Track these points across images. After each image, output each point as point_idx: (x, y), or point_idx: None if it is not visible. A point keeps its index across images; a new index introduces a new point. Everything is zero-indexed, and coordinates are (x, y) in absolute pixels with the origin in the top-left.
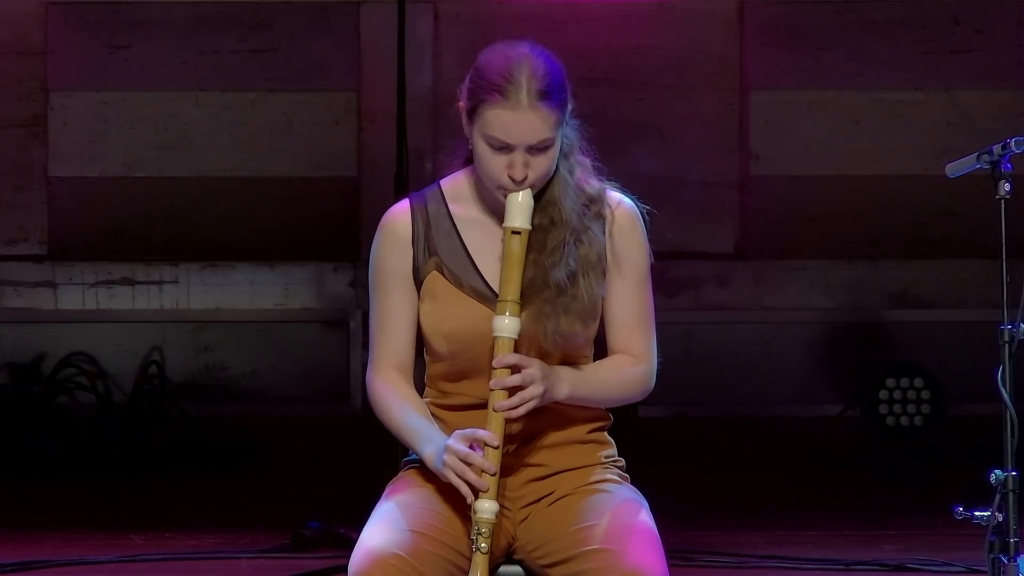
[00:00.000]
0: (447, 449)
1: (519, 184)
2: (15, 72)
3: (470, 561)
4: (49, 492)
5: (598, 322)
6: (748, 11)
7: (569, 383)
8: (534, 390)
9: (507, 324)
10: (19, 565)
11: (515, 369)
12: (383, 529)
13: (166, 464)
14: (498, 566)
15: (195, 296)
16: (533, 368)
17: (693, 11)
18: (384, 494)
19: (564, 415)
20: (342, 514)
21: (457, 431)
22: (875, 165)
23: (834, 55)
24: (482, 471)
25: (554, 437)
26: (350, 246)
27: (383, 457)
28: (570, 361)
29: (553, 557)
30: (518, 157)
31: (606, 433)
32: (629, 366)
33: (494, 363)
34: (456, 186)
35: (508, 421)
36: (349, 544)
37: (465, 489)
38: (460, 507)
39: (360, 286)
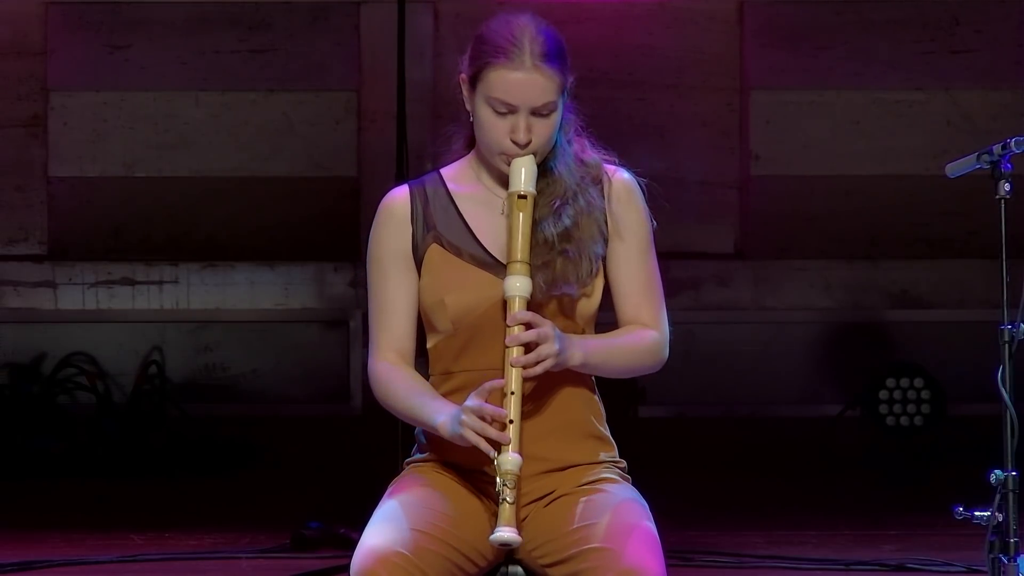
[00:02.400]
0: (464, 409)
1: (522, 148)
2: (15, 72)
3: (479, 553)
4: (49, 492)
5: (598, 289)
6: (748, 11)
7: (582, 348)
8: (548, 348)
9: (518, 284)
10: (19, 565)
11: (528, 327)
12: (386, 528)
13: (166, 464)
14: (498, 566)
15: (195, 296)
16: (546, 327)
17: (693, 11)
18: (387, 493)
19: (563, 402)
20: (342, 514)
21: (472, 392)
22: (875, 165)
23: (834, 55)
24: (503, 422)
25: (556, 431)
26: (350, 246)
27: (383, 457)
28: (572, 331)
29: (553, 557)
30: (521, 120)
31: (608, 433)
32: (640, 333)
33: (508, 320)
34: (455, 170)
35: (525, 379)
36: (349, 544)
37: (485, 445)
38: (465, 506)
39: (360, 286)
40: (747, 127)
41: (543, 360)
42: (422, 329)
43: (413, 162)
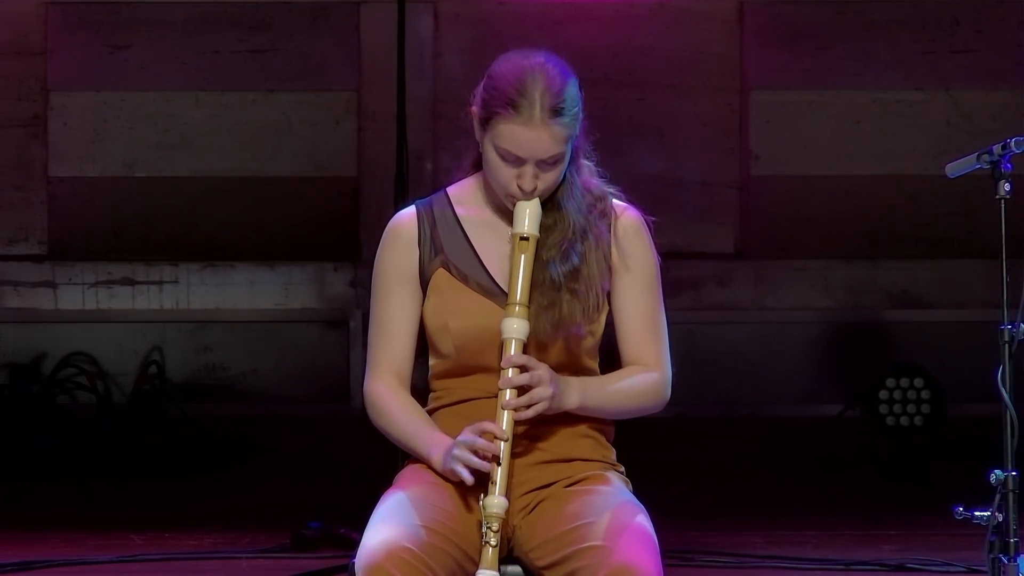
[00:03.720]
0: (457, 443)
1: (528, 195)
2: (15, 72)
3: (479, 556)
4: (49, 492)
5: (602, 323)
6: (748, 11)
7: (579, 391)
8: (543, 391)
9: (515, 327)
10: (19, 565)
11: (523, 369)
12: (393, 523)
13: (166, 464)
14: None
15: (195, 296)
16: (541, 370)
17: (693, 11)
18: (393, 485)
19: (568, 414)
20: (342, 514)
21: (466, 427)
22: (875, 165)
23: (834, 55)
24: (491, 460)
25: (558, 424)
26: (350, 246)
27: (383, 457)
28: (575, 365)
29: (550, 558)
30: (528, 170)
31: (608, 438)
32: (641, 375)
33: (503, 363)
34: (462, 191)
35: (516, 424)
36: (349, 544)
37: (471, 480)
38: (469, 503)
39: (360, 286)
40: (747, 127)
41: (535, 404)
42: (422, 334)
43: (413, 162)
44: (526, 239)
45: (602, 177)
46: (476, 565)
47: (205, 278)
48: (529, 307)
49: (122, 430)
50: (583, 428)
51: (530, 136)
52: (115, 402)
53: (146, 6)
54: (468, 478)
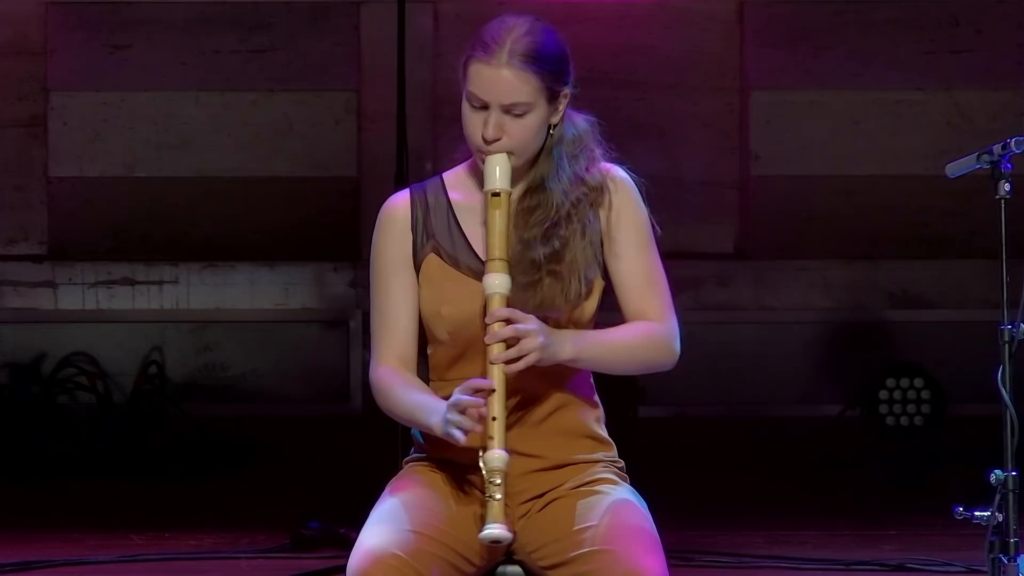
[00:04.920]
0: (448, 406)
1: (489, 144)
2: (15, 72)
3: (476, 554)
4: (49, 492)
5: (592, 308)
6: (748, 11)
7: (573, 342)
8: (531, 342)
9: (497, 282)
10: (19, 565)
11: (508, 323)
12: (383, 529)
13: (166, 464)
14: (497, 565)
15: (195, 296)
16: (528, 321)
17: (693, 11)
18: (386, 490)
19: (561, 404)
20: (342, 514)
21: (456, 387)
22: (875, 165)
23: (834, 55)
24: (479, 411)
25: (554, 429)
26: (350, 246)
27: (383, 457)
28: None
29: (552, 559)
30: (491, 116)
31: (606, 433)
32: (645, 326)
33: (487, 318)
34: (457, 176)
35: (509, 387)
36: (349, 544)
37: (463, 440)
38: (462, 508)
39: (360, 286)
40: (747, 127)
41: (525, 355)
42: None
43: (413, 162)
44: (497, 195)
45: (621, 163)
46: (472, 567)
47: (205, 278)
48: (508, 264)
49: (122, 430)
50: (580, 429)
51: (492, 75)
52: (115, 402)
53: (146, 6)
54: (461, 438)
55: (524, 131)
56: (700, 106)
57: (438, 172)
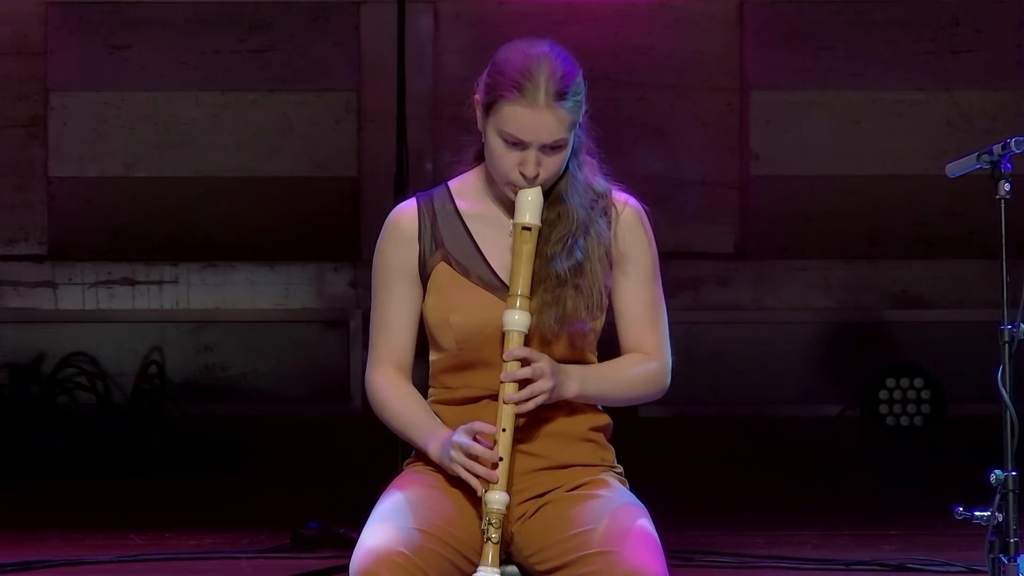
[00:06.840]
0: (454, 445)
1: (530, 181)
2: (15, 72)
3: (479, 554)
4: (49, 492)
5: (603, 317)
6: (748, 11)
7: (578, 380)
8: (543, 384)
9: (517, 319)
10: (19, 565)
11: (525, 363)
12: (386, 526)
13: (166, 464)
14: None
15: (195, 296)
16: (543, 362)
17: (693, 11)
18: (389, 487)
19: (566, 408)
20: (342, 514)
21: (461, 426)
22: (875, 165)
23: (834, 55)
24: (491, 461)
25: (556, 429)
26: (350, 246)
27: (383, 457)
28: (576, 358)
29: (551, 563)
30: (531, 155)
31: (607, 442)
32: (640, 363)
33: (504, 356)
34: (463, 184)
35: (517, 415)
36: (349, 544)
37: (475, 483)
38: (466, 506)
39: (360, 286)
40: (747, 127)
41: (536, 396)
42: (422, 331)
43: (413, 162)
44: (528, 229)
45: (606, 175)
46: (474, 567)
47: (205, 278)
48: (531, 300)
49: (122, 430)
50: (582, 432)
51: (534, 118)
52: (115, 402)
53: (146, 6)
54: (475, 484)
55: (559, 163)
56: (700, 106)
57: (441, 178)
